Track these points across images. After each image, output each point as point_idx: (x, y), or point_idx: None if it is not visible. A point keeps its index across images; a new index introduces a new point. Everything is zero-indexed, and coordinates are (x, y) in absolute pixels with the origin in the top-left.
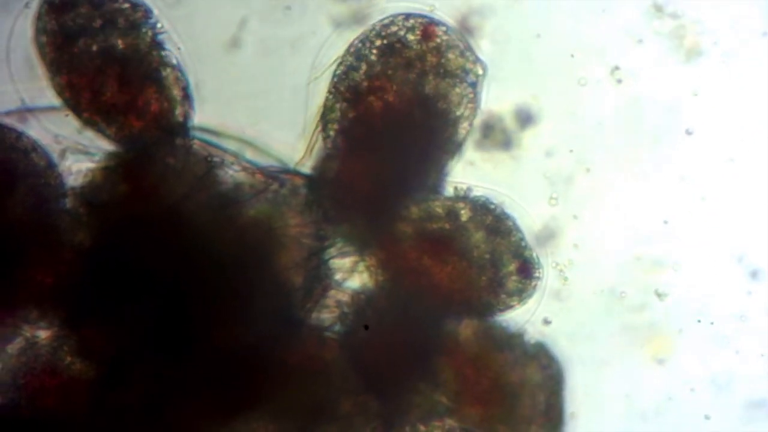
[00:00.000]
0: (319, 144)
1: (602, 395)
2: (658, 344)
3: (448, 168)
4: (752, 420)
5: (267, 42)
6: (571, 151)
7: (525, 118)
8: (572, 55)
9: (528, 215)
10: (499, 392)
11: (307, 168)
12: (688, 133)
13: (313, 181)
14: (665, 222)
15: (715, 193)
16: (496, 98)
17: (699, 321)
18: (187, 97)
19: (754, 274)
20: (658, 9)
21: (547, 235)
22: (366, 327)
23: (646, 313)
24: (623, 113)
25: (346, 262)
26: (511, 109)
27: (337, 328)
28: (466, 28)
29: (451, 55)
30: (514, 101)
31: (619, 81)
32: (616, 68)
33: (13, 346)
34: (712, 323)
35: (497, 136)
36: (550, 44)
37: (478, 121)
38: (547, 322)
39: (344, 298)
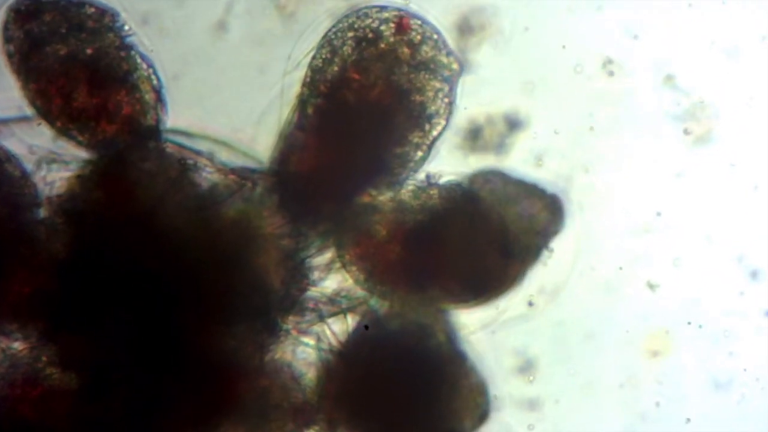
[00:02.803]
0: (287, 136)
1: (600, 395)
2: (656, 342)
3: (417, 163)
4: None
5: (253, 29)
6: (587, 171)
7: (515, 121)
8: (564, 46)
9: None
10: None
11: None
12: (686, 132)
13: (274, 174)
14: (658, 214)
15: (715, 193)
16: (488, 100)
17: (689, 323)
18: (159, 99)
19: (754, 274)
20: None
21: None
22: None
23: (639, 309)
24: (615, 106)
25: (324, 259)
26: (501, 112)
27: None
28: (464, 29)
29: (425, 48)
30: (505, 103)
31: (611, 73)
32: (609, 61)
33: None
34: (700, 326)
35: (487, 139)
36: (540, 41)
37: (467, 124)
38: (530, 304)
39: (321, 297)
